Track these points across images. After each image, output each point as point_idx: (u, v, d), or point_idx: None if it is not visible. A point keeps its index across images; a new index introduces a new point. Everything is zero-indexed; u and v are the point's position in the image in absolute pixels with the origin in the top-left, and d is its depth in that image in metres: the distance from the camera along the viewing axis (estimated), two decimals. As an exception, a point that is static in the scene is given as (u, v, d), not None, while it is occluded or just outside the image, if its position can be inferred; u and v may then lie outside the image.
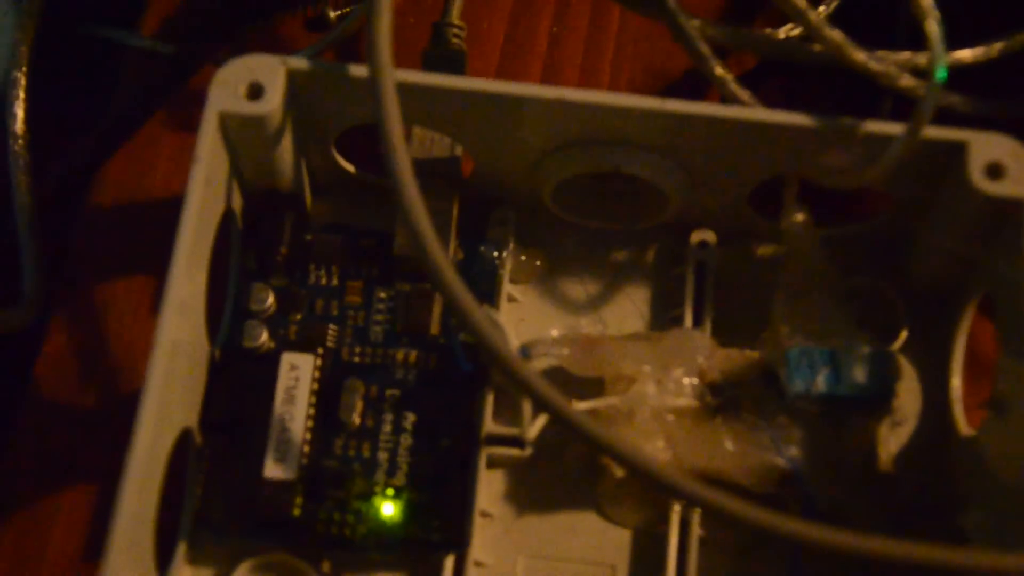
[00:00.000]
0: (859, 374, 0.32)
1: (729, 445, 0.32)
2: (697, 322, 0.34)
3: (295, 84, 0.31)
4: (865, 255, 0.34)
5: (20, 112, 0.36)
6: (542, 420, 0.32)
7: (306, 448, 0.32)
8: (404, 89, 0.29)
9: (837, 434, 0.32)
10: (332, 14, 0.39)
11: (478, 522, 0.32)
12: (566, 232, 0.35)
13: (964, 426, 0.33)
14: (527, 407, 0.32)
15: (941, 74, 0.29)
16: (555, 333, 0.33)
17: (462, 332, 0.33)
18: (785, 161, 0.32)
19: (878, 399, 0.32)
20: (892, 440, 0.33)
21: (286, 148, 0.32)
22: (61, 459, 0.34)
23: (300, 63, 0.31)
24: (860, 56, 0.32)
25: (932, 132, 0.30)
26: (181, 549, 0.31)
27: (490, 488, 0.33)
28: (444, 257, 0.28)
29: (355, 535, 0.31)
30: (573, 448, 0.33)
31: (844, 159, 0.31)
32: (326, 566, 0.32)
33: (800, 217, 0.33)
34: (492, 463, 0.33)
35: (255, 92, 0.30)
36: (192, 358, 0.31)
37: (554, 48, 0.39)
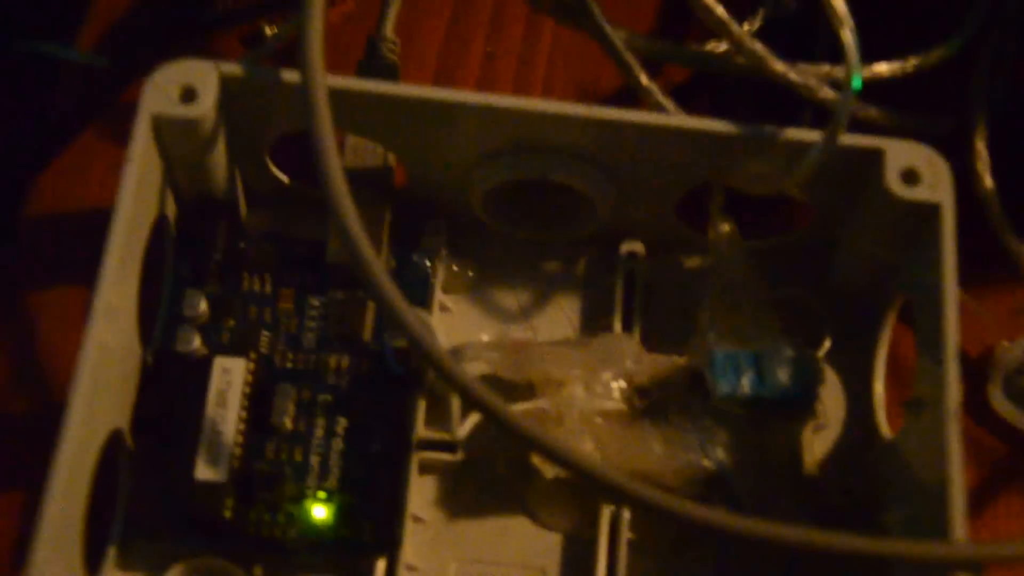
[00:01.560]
0: (783, 376, 0.32)
1: (657, 447, 0.32)
2: (626, 329, 0.34)
3: (228, 89, 0.31)
4: (789, 264, 0.35)
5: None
6: (473, 420, 0.32)
7: (237, 451, 0.32)
8: (336, 95, 0.30)
9: (762, 437, 0.33)
10: (268, 31, 0.39)
11: (410, 527, 0.32)
12: (498, 243, 0.36)
13: (886, 430, 0.33)
14: (456, 407, 0.32)
15: (856, 82, 0.31)
16: (485, 338, 0.33)
17: (394, 337, 0.33)
18: (710, 169, 0.33)
19: (802, 402, 0.33)
20: (816, 444, 0.33)
21: (219, 154, 0.33)
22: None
23: (233, 68, 0.31)
24: (781, 67, 0.33)
25: (849, 140, 0.31)
26: (111, 552, 0.31)
27: (422, 493, 0.33)
28: (376, 260, 0.29)
29: (286, 537, 0.32)
30: (504, 454, 0.33)
31: (765, 166, 0.32)
32: (258, 570, 0.32)
33: (726, 227, 0.34)
34: (424, 468, 0.33)
35: (188, 95, 0.31)
36: (123, 362, 0.31)
37: (487, 67, 0.40)
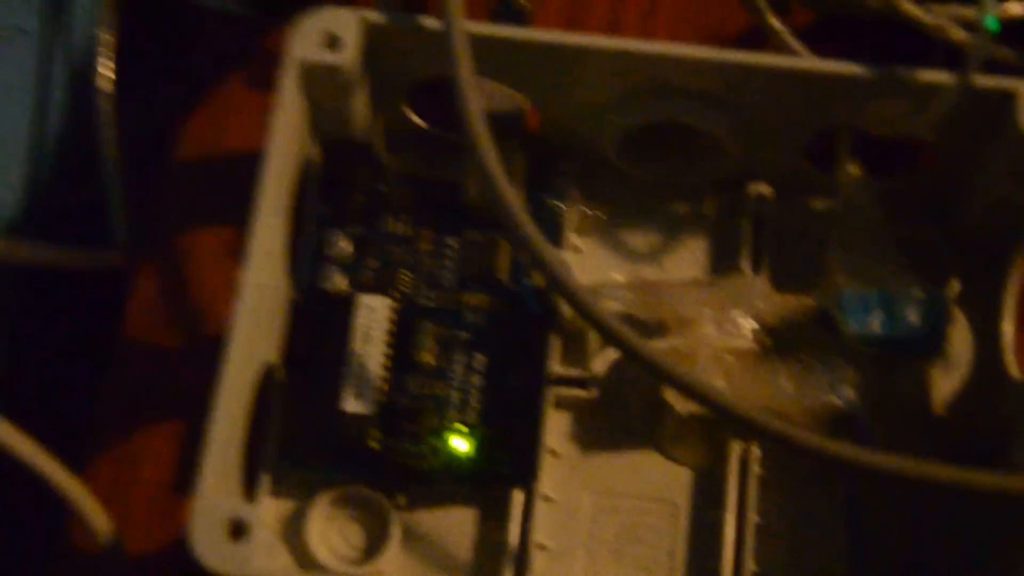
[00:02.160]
0: (912, 317, 0.33)
1: (786, 385, 0.33)
2: (754, 270, 0.35)
3: (370, 36, 0.33)
4: (916, 205, 0.35)
5: (106, 71, 0.38)
6: (608, 357, 0.33)
7: (382, 385, 0.33)
8: (474, 41, 0.31)
9: (891, 377, 0.33)
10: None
11: (545, 459, 0.33)
12: (628, 185, 0.37)
13: (1015, 370, 0.34)
14: (593, 343, 0.33)
15: (991, 23, 0.31)
16: (618, 278, 0.34)
17: (532, 276, 0.34)
18: (839, 111, 0.33)
19: (931, 342, 0.33)
20: (944, 384, 0.34)
21: (361, 99, 0.34)
22: (151, 396, 0.35)
23: (375, 16, 0.32)
24: (913, 9, 0.33)
25: (982, 81, 0.31)
26: (265, 479, 0.33)
27: (556, 428, 0.34)
28: (515, 199, 0.30)
29: (429, 468, 0.33)
30: (637, 391, 0.34)
31: (896, 108, 0.32)
32: (401, 499, 0.34)
33: (854, 170, 0.35)
34: (559, 404, 0.34)
35: (332, 43, 0.32)
36: (274, 299, 0.33)
37: (616, 8, 0.41)
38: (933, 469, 0.28)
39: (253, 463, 0.32)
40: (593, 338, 0.33)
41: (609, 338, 0.30)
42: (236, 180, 0.35)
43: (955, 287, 0.35)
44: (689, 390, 0.29)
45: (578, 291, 0.29)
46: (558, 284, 0.30)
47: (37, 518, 0.34)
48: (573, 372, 0.34)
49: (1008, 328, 0.34)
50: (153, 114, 0.38)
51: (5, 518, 0.37)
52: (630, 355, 0.29)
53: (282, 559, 0.33)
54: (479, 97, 0.30)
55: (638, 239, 0.37)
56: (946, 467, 0.28)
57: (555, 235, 0.35)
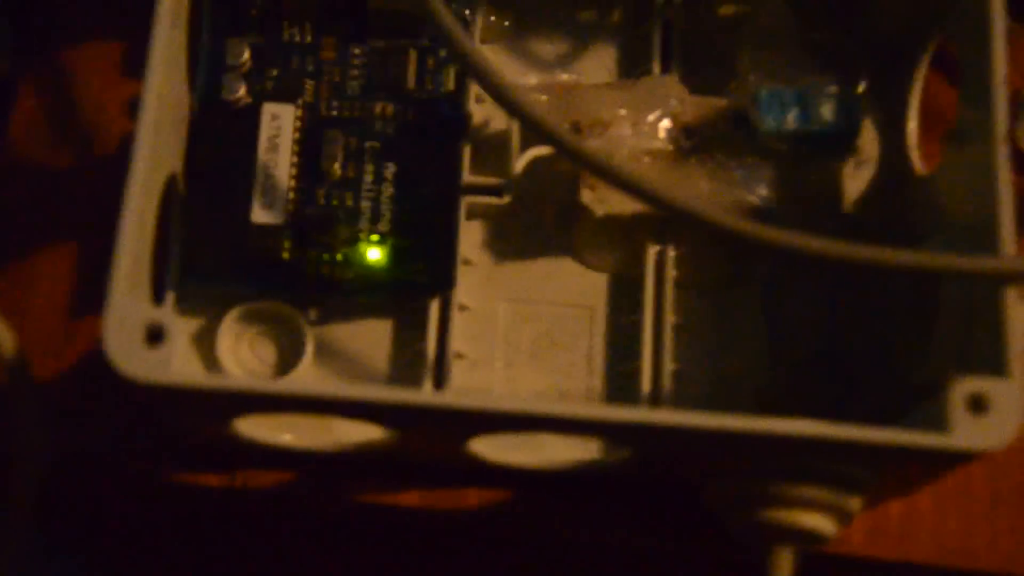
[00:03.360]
0: (827, 112, 0.33)
1: (703, 184, 0.33)
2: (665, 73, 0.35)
3: None
4: (825, 7, 0.35)
5: None
6: (526, 158, 0.33)
7: (291, 195, 0.32)
8: None
9: (804, 175, 0.34)
10: None
11: (460, 269, 0.33)
12: (533, -7, 0.36)
13: (920, 167, 0.34)
14: (515, 141, 0.33)
15: None
16: (533, 80, 0.34)
17: (443, 83, 0.33)
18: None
19: (845, 137, 0.33)
20: (854, 182, 0.34)
21: None
22: (40, 217, 0.34)
23: None
24: None
25: None
26: (170, 297, 0.32)
27: (470, 238, 0.34)
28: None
29: (343, 278, 0.32)
30: (551, 197, 0.34)
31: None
32: (313, 314, 0.33)
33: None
34: (471, 214, 0.34)
35: None
36: (175, 110, 0.31)
37: None
38: (852, 249, 0.28)
39: (161, 278, 0.31)
40: (517, 134, 0.33)
41: (539, 132, 0.29)
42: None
43: (862, 87, 0.35)
44: (623, 182, 0.28)
45: (507, 85, 0.29)
46: (485, 78, 0.29)
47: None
48: (486, 180, 0.33)
49: (912, 125, 0.34)
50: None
51: None
52: (561, 148, 0.29)
53: (198, 370, 0.32)
54: None
55: (545, 47, 0.36)
56: (864, 247, 0.28)
57: (461, 43, 0.34)
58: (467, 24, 0.34)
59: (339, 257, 0.32)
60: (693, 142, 0.33)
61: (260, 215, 0.32)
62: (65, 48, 0.35)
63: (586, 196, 0.33)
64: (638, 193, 0.29)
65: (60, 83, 0.35)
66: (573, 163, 0.30)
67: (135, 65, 0.31)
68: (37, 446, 0.29)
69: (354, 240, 0.32)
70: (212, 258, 0.32)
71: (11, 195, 0.34)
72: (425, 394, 0.31)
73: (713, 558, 0.32)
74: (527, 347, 0.33)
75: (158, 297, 0.31)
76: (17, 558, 0.30)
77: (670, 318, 0.33)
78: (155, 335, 0.27)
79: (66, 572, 0.35)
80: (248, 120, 0.33)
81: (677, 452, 0.29)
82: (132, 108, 0.31)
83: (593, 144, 0.33)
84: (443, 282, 0.32)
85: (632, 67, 0.35)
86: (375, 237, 0.32)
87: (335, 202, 0.33)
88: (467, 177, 0.33)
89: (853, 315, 0.33)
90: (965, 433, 0.27)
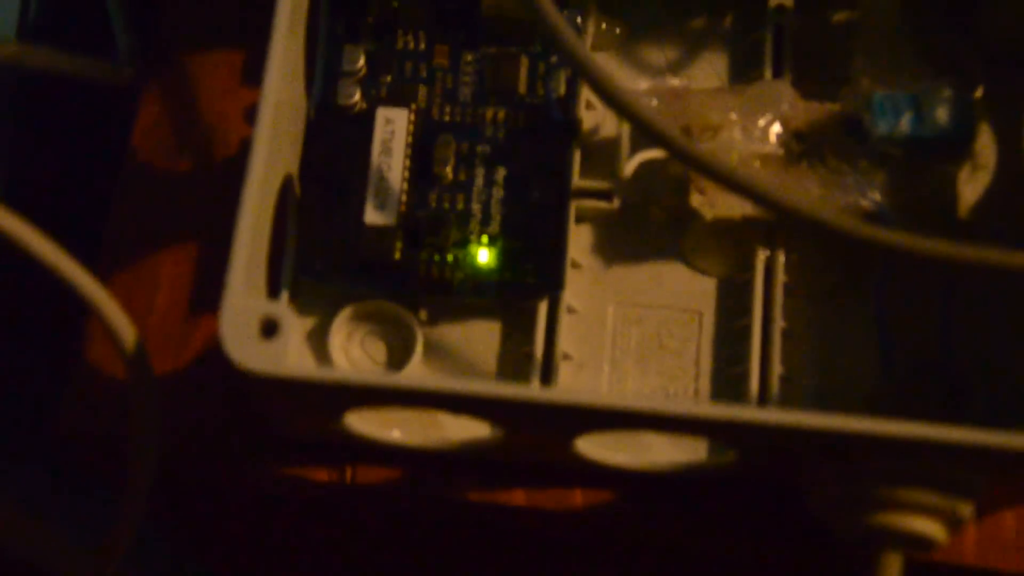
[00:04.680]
0: (941, 116, 0.32)
1: (814, 189, 0.32)
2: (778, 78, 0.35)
3: None
4: (942, 11, 0.35)
5: None
6: (636, 161, 0.33)
7: (403, 197, 0.33)
8: None
9: (919, 180, 0.33)
10: None
11: (569, 271, 0.33)
12: (643, 1, 0.36)
13: (1040, 173, 0.34)
14: (625, 144, 0.33)
15: None
16: (644, 85, 0.34)
17: (554, 87, 0.34)
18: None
19: (960, 141, 0.33)
20: (969, 188, 0.34)
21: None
22: (161, 219, 0.35)
23: None
24: None
25: None
26: (283, 297, 0.33)
27: (579, 241, 0.34)
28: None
29: (453, 279, 0.33)
30: (660, 200, 0.34)
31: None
32: (423, 314, 0.33)
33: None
34: (581, 217, 0.34)
35: None
36: (292, 114, 0.32)
37: None
38: (958, 249, 0.28)
39: (277, 276, 0.32)
40: (627, 138, 0.33)
41: (649, 133, 0.29)
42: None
43: (979, 93, 0.34)
44: (733, 181, 0.28)
45: (617, 87, 0.29)
46: (596, 81, 0.29)
47: (49, 335, 0.33)
48: (595, 184, 0.34)
49: (1033, 130, 0.34)
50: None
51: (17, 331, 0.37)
52: (671, 149, 0.29)
53: (311, 364, 0.33)
54: None
55: (656, 54, 0.36)
56: (971, 246, 0.28)
57: (573, 51, 0.35)
58: (579, 31, 0.35)
59: (449, 258, 0.33)
60: (804, 147, 0.33)
61: (373, 216, 0.33)
62: (187, 57, 0.36)
63: (695, 199, 0.33)
64: (747, 192, 0.29)
65: (182, 91, 0.36)
66: (683, 164, 0.30)
67: (254, 73, 0.32)
68: (153, 439, 0.30)
69: (464, 242, 0.33)
70: (326, 258, 0.33)
71: (135, 199, 0.35)
72: (532, 390, 0.31)
73: (818, 565, 0.32)
74: (634, 350, 0.33)
75: (274, 294, 0.32)
76: (131, 546, 0.31)
77: (779, 323, 0.33)
78: (270, 328, 0.28)
79: (177, 562, 0.35)
80: (363, 125, 0.34)
81: (781, 454, 0.29)
82: (251, 115, 0.32)
83: (703, 148, 0.33)
84: (552, 283, 0.33)
85: (744, 73, 0.35)
86: (485, 239, 0.33)
87: (446, 205, 0.33)
88: (576, 181, 0.34)
89: (965, 322, 0.32)
90: (1080, 438, 0.26)
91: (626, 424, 0.28)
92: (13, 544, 0.37)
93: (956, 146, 0.33)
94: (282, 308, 0.28)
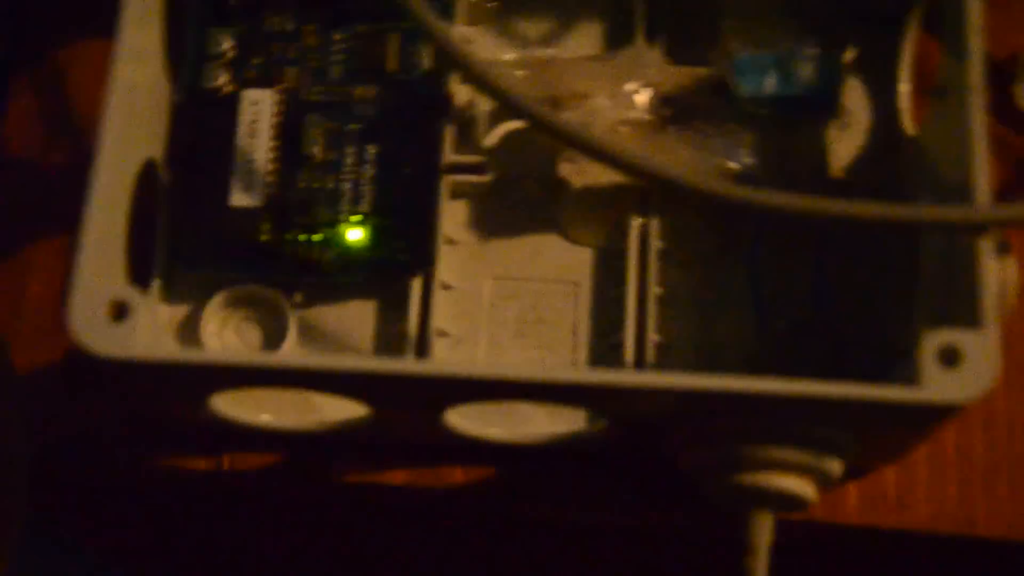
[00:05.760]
0: (807, 74, 0.32)
1: (684, 153, 0.32)
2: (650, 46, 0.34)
3: None
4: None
5: None
6: (501, 131, 0.33)
7: (271, 179, 0.32)
8: None
9: (787, 140, 0.33)
10: None
11: (443, 248, 0.33)
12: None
13: (910, 127, 0.33)
14: (484, 115, 0.33)
15: None
16: (509, 56, 0.33)
17: (422, 63, 0.34)
18: None
19: (826, 98, 0.33)
20: (841, 146, 0.34)
21: None
22: (33, 210, 0.34)
23: None
24: None
25: None
26: (155, 284, 0.32)
27: (454, 216, 0.34)
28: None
29: (323, 259, 0.32)
30: (532, 173, 0.34)
31: None
32: (298, 297, 0.33)
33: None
34: (454, 193, 0.34)
35: None
36: (151, 98, 0.32)
37: None
38: (832, 204, 0.28)
39: (140, 264, 0.32)
40: (486, 108, 0.33)
41: (508, 104, 0.29)
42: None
43: (851, 53, 0.34)
44: (594, 150, 0.28)
45: (476, 63, 0.29)
46: (455, 58, 0.29)
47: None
48: (467, 158, 0.33)
49: (904, 88, 0.34)
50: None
51: None
52: (531, 120, 0.29)
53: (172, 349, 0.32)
54: None
55: (531, 27, 0.36)
56: (836, 201, 0.28)
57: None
58: (447, 5, 0.34)
59: (316, 238, 0.32)
60: (672, 111, 0.33)
61: (238, 198, 0.32)
62: (58, 46, 0.36)
63: (564, 168, 0.32)
64: (607, 158, 0.28)
65: (53, 80, 0.35)
66: (545, 135, 0.29)
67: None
68: (17, 436, 0.29)
69: (335, 222, 0.32)
70: (198, 244, 0.32)
71: (7, 190, 0.35)
72: (403, 362, 0.31)
73: (695, 531, 0.32)
74: (512, 324, 0.33)
75: (144, 283, 0.32)
76: (12, 545, 0.30)
77: (654, 290, 0.32)
78: (121, 311, 0.27)
79: (55, 558, 0.35)
80: (231, 108, 0.33)
81: (653, 418, 0.29)
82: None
83: (570, 116, 0.32)
84: (423, 260, 0.32)
85: (618, 43, 0.35)
86: (356, 218, 0.33)
87: (316, 184, 0.33)
88: (448, 156, 0.33)
89: (837, 281, 0.32)
90: (937, 386, 0.26)
91: (498, 394, 0.28)
92: None
93: (822, 103, 0.33)
94: (133, 291, 0.27)
